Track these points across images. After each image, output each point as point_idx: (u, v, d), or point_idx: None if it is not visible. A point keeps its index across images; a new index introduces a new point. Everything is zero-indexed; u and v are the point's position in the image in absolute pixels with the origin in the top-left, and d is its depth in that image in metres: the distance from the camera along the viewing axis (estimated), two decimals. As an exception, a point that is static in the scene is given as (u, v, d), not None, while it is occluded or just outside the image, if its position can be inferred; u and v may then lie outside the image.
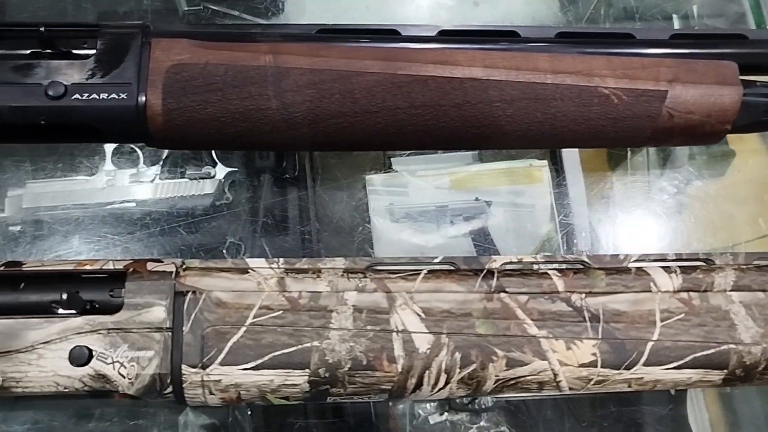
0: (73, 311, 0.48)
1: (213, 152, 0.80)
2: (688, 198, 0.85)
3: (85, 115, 0.51)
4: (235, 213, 0.81)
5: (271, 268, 0.50)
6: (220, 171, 0.81)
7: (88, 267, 0.49)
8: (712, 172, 0.85)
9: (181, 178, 0.81)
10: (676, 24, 0.85)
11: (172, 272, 0.48)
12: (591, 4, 0.91)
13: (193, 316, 0.47)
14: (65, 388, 0.47)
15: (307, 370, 0.47)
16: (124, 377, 0.46)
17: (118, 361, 0.46)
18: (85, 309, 0.48)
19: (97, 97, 0.51)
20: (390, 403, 0.76)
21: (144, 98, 0.51)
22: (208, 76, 0.51)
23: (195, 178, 0.80)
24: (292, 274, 0.49)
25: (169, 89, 0.51)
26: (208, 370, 0.46)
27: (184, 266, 0.49)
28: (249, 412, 0.75)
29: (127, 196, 0.80)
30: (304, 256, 0.78)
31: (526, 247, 0.82)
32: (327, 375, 0.47)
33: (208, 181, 0.81)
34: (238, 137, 0.52)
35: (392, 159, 0.83)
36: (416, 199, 0.82)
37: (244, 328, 0.47)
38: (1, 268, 0.49)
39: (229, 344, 0.47)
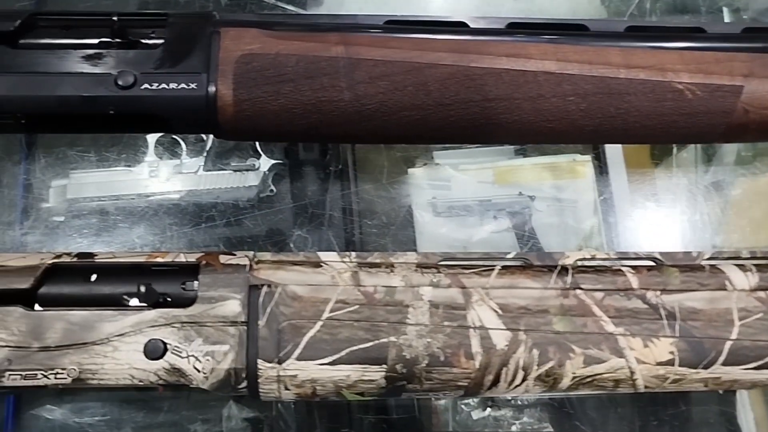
0: (147, 304, 0.47)
1: (257, 144, 0.79)
2: (734, 195, 0.85)
3: (154, 105, 0.50)
4: (278, 205, 0.80)
5: (344, 261, 0.49)
6: (265, 163, 0.80)
7: (159, 259, 0.48)
8: (760, 168, 0.84)
9: (225, 169, 0.80)
10: (727, 18, 0.84)
11: (245, 265, 0.48)
12: (634, -3, 0.90)
13: (268, 310, 0.47)
14: (140, 381, 0.46)
15: (384, 366, 0.46)
16: (199, 371, 0.46)
17: (192, 355, 0.46)
18: (158, 302, 0.47)
19: (167, 87, 0.50)
20: (433, 399, 0.75)
21: (214, 88, 0.50)
22: (280, 67, 0.50)
23: (239, 170, 0.80)
24: (365, 268, 0.49)
25: (240, 79, 0.50)
26: (284, 365, 0.46)
27: (256, 259, 0.49)
28: (293, 405, 0.75)
29: (170, 187, 0.80)
30: (348, 249, 0.79)
31: (569, 242, 0.81)
32: (404, 371, 0.46)
33: (252, 173, 0.80)
34: (309, 129, 0.51)
35: (434, 152, 0.83)
36: (459, 193, 0.82)
37: (320, 323, 0.46)
38: (74, 259, 0.48)
39: (306, 339, 0.46)
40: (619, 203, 0.82)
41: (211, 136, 0.78)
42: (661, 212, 0.82)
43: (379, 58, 0.51)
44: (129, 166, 0.80)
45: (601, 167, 0.82)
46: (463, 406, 0.79)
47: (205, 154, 0.79)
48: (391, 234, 0.80)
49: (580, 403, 0.77)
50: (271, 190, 0.80)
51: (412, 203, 0.81)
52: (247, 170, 0.80)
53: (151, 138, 0.78)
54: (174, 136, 0.78)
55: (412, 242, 0.80)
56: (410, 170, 0.82)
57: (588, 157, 0.82)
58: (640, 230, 0.81)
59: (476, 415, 0.79)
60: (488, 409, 0.79)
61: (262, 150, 0.79)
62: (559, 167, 0.84)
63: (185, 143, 0.79)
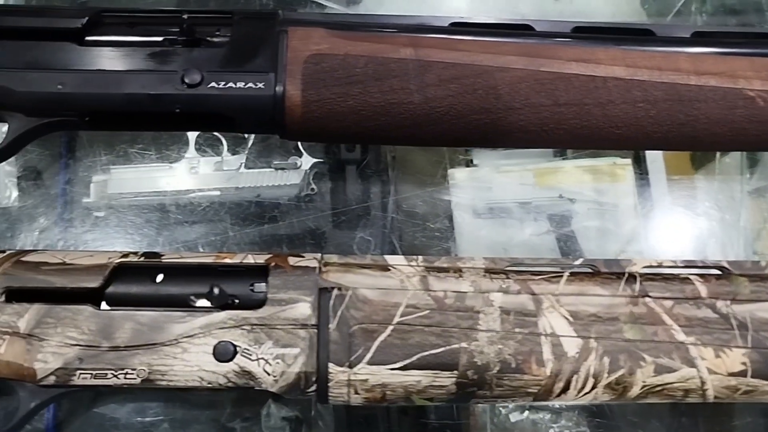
0: (216, 305, 0.47)
1: (299, 142, 0.79)
2: (779, 202, 0.84)
3: (221, 104, 0.50)
4: (319, 204, 0.80)
5: (411, 265, 0.49)
6: (306, 161, 0.80)
7: (228, 260, 0.48)
8: (806, 176, 0.84)
9: (267, 167, 0.80)
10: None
11: (315, 268, 0.47)
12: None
13: (339, 313, 0.46)
14: (209, 383, 0.46)
15: (455, 372, 0.46)
16: (269, 374, 0.46)
17: (262, 358, 0.46)
18: (227, 303, 0.47)
19: (234, 86, 0.50)
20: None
21: (282, 88, 0.49)
22: (349, 68, 0.50)
23: (281, 168, 0.79)
24: (433, 272, 0.48)
25: (309, 80, 0.50)
26: (355, 369, 0.45)
27: (324, 261, 0.49)
28: (331, 405, 0.75)
29: (210, 184, 0.79)
30: (386, 248, 0.79)
31: (608, 246, 0.80)
32: (475, 377, 0.46)
33: (293, 172, 0.80)
34: (376, 131, 0.51)
35: (474, 153, 0.82)
36: (499, 195, 0.81)
37: (391, 327, 0.46)
38: (141, 259, 0.48)
39: (377, 343, 0.46)
40: (659, 208, 0.82)
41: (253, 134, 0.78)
42: (702, 217, 0.82)
43: (449, 61, 0.50)
44: (170, 162, 0.79)
45: (641, 171, 0.82)
46: (501, 409, 0.78)
47: (246, 151, 0.79)
48: (431, 235, 0.80)
49: (618, 407, 0.76)
50: (312, 189, 0.80)
51: (452, 204, 0.80)
52: (289, 168, 0.80)
53: (192, 134, 0.78)
54: (215, 133, 0.78)
55: (452, 243, 0.79)
56: (450, 171, 0.81)
57: (628, 161, 0.82)
58: (680, 235, 0.81)
59: (514, 417, 0.79)
60: (526, 412, 0.79)
61: (303, 148, 0.79)
62: (599, 170, 0.83)
63: (226, 140, 0.79)
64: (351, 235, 0.80)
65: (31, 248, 0.49)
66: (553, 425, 0.78)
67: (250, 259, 0.48)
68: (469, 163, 0.82)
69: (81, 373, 0.45)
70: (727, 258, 0.77)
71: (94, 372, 0.45)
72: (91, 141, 0.79)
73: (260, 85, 0.49)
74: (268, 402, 0.75)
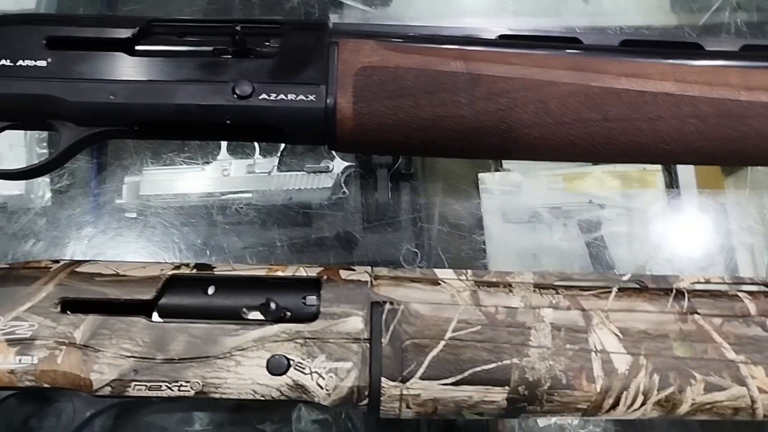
0: (269, 318, 0.47)
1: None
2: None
3: (271, 116, 0.50)
4: (350, 208, 0.80)
5: (460, 279, 0.49)
6: (338, 165, 0.80)
7: (280, 273, 0.48)
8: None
9: (299, 171, 0.80)
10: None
11: (367, 282, 0.48)
12: (710, 4, 0.89)
13: (392, 327, 0.46)
14: (262, 396, 0.46)
15: (506, 387, 0.46)
16: (322, 388, 0.46)
17: (316, 372, 0.46)
18: (280, 316, 0.47)
19: (285, 98, 0.50)
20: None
21: (334, 101, 0.49)
22: (400, 81, 0.50)
23: (313, 172, 0.80)
24: (483, 287, 0.49)
25: (360, 92, 0.50)
26: (408, 383, 0.46)
27: (374, 274, 0.49)
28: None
29: (242, 187, 0.79)
30: (416, 254, 0.79)
31: (638, 253, 0.81)
32: (526, 393, 0.46)
33: (325, 175, 0.80)
34: (426, 144, 0.51)
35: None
36: (529, 200, 0.81)
37: (443, 343, 0.46)
38: (193, 271, 0.48)
39: (429, 358, 0.46)
40: (688, 216, 0.82)
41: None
42: (731, 228, 0.82)
43: (500, 74, 0.50)
44: (201, 164, 0.79)
45: (671, 178, 0.82)
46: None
47: (278, 154, 0.79)
48: (461, 239, 0.80)
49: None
50: (344, 192, 0.80)
51: (482, 209, 0.81)
52: (321, 172, 0.80)
53: (223, 138, 0.78)
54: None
55: (481, 248, 0.79)
56: (480, 175, 0.82)
57: (658, 167, 0.82)
58: (708, 246, 0.80)
59: (542, 422, 0.79)
60: (554, 418, 0.79)
61: (335, 152, 0.79)
62: (629, 176, 0.83)
63: (258, 144, 0.79)
64: (382, 238, 0.80)
65: (84, 259, 0.49)
66: (581, 430, 0.78)
67: (302, 272, 0.48)
68: (498, 168, 0.82)
69: (136, 385, 0.46)
70: (757, 270, 0.78)
71: (148, 384, 0.46)
72: (123, 143, 0.79)
73: (311, 97, 0.49)
74: (299, 405, 0.75)
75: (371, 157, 0.81)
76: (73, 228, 0.78)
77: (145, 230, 0.78)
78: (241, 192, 0.79)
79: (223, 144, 0.78)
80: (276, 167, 0.79)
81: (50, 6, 0.79)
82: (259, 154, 0.79)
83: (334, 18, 0.82)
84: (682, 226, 0.80)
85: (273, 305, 0.46)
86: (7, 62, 0.50)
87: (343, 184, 0.80)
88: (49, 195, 0.80)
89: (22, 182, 0.79)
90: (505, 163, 0.83)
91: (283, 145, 0.79)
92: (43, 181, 0.79)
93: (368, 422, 0.75)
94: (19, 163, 0.76)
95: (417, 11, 0.90)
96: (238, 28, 0.48)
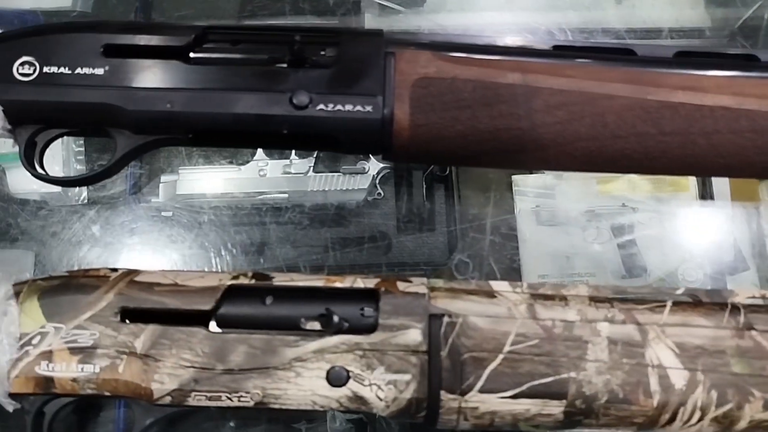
0: (327, 329, 0.47)
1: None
2: None
3: (328, 126, 0.50)
4: (384, 209, 0.80)
5: (516, 292, 0.49)
6: (374, 166, 0.80)
7: (338, 284, 0.48)
8: None
9: (335, 172, 0.80)
10: None
11: (425, 294, 0.48)
12: (748, 7, 0.89)
13: (450, 340, 0.47)
14: (321, 407, 0.47)
15: (563, 401, 0.46)
16: (381, 400, 0.46)
17: (375, 384, 0.46)
18: (340, 328, 0.47)
19: (342, 109, 0.50)
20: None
21: (391, 112, 0.49)
22: (457, 92, 0.50)
23: (350, 173, 0.80)
24: (539, 300, 0.49)
25: (417, 104, 0.50)
26: (466, 396, 0.46)
27: (430, 286, 0.49)
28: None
29: (278, 187, 0.80)
30: (450, 256, 0.79)
31: (670, 257, 0.81)
32: (583, 406, 0.46)
33: (360, 176, 0.80)
34: (482, 155, 0.51)
35: None
36: (563, 203, 0.81)
37: (501, 356, 0.47)
38: (252, 281, 0.48)
39: (488, 371, 0.46)
40: (721, 221, 0.81)
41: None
42: (765, 234, 0.81)
43: (557, 87, 0.50)
44: (238, 164, 0.80)
45: (704, 182, 0.82)
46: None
47: (315, 155, 0.79)
48: (494, 241, 0.80)
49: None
50: (379, 194, 0.80)
51: (516, 211, 0.81)
52: (357, 173, 0.80)
53: (259, 137, 0.78)
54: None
55: (514, 250, 0.79)
56: (514, 177, 0.82)
57: (692, 170, 0.81)
58: (742, 252, 0.80)
59: None
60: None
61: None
62: (661, 179, 0.83)
63: (294, 144, 0.79)
64: (416, 240, 0.80)
65: (144, 269, 0.49)
66: None
67: (359, 283, 0.49)
68: (532, 170, 0.82)
69: (196, 395, 0.46)
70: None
71: (208, 394, 0.46)
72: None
73: (368, 108, 0.49)
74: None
75: (407, 160, 0.81)
76: (108, 226, 0.78)
77: (181, 229, 0.78)
78: (277, 192, 0.80)
79: (260, 144, 0.78)
80: (312, 168, 0.79)
81: (85, 4, 0.79)
82: (296, 154, 0.79)
83: (368, 19, 0.82)
84: (715, 231, 0.80)
85: (336, 318, 0.47)
86: (66, 70, 0.50)
87: (378, 185, 0.80)
88: (85, 193, 0.80)
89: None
90: (540, 166, 0.82)
91: (319, 146, 0.79)
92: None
93: (403, 423, 0.76)
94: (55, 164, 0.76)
95: (450, 10, 0.90)
96: (297, 37, 0.48)
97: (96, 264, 0.74)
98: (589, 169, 0.52)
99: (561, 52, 0.53)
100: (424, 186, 0.81)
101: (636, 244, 0.81)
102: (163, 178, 0.80)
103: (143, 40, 0.51)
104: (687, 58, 0.53)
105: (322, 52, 0.51)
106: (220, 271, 0.56)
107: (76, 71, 0.50)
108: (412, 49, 0.51)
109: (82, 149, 0.79)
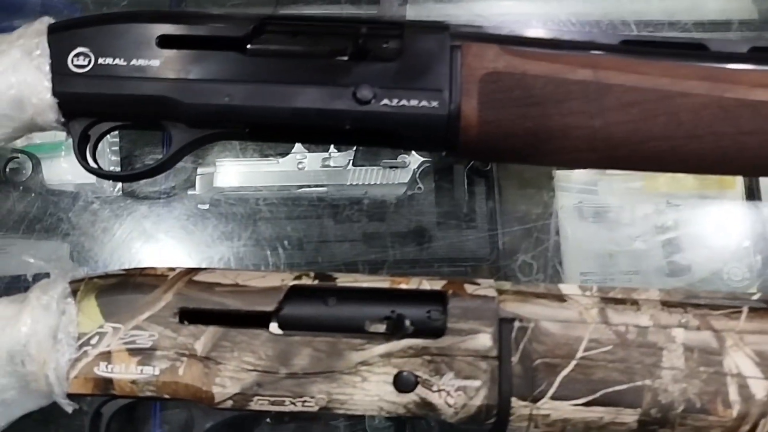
0: (393, 332, 0.46)
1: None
2: None
3: (392, 122, 0.48)
4: (424, 204, 0.79)
5: (586, 296, 0.48)
6: (414, 160, 0.78)
7: (404, 286, 0.47)
8: None
9: (375, 165, 0.78)
10: None
11: (494, 297, 0.46)
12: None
13: (521, 346, 0.45)
14: (388, 413, 0.45)
15: (638, 410, 0.45)
16: (450, 407, 0.45)
17: (444, 390, 0.45)
18: (406, 332, 0.46)
19: (407, 104, 0.48)
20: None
21: (458, 108, 0.48)
22: (527, 88, 0.48)
23: (390, 167, 0.78)
24: (610, 304, 0.47)
25: (486, 99, 0.48)
26: (538, 403, 0.45)
27: (498, 289, 0.47)
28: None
29: (317, 181, 0.78)
30: (492, 252, 0.77)
31: (716, 256, 0.79)
32: (658, 416, 0.45)
33: (400, 170, 0.79)
34: (552, 154, 0.49)
35: None
36: (606, 199, 0.80)
37: (574, 362, 0.45)
38: (315, 281, 0.47)
39: (560, 378, 0.45)
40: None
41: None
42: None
43: (629, 85, 0.48)
44: (276, 157, 0.78)
45: (751, 179, 0.80)
46: None
47: (354, 148, 0.77)
48: (535, 237, 0.78)
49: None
50: (419, 188, 0.79)
51: (557, 207, 0.79)
52: (398, 167, 0.78)
53: (298, 129, 0.76)
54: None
55: (556, 247, 0.78)
56: (556, 173, 0.80)
57: (737, 167, 0.79)
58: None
59: None
60: None
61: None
62: (707, 177, 0.81)
63: (333, 137, 0.77)
64: (457, 235, 0.79)
65: (203, 267, 0.47)
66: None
67: (426, 285, 0.47)
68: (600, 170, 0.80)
69: (258, 399, 0.45)
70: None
71: (271, 399, 0.45)
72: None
73: (434, 103, 0.48)
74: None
75: (448, 153, 0.79)
76: (143, 218, 0.77)
77: (219, 222, 0.77)
78: (316, 186, 0.78)
79: (298, 136, 0.77)
80: (351, 161, 0.78)
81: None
82: (334, 148, 0.77)
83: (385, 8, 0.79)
84: (761, 231, 0.79)
85: (395, 317, 0.45)
86: (121, 61, 0.48)
87: (418, 180, 0.78)
88: (120, 185, 0.78)
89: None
90: (580, 161, 0.80)
91: (358, 139, 0.77)
92: (115, 170, 0.78)
93: (444, 422, 0.74)
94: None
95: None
96: (363, 30, 0.46)
97: (133, 257, 0.73)
98: (659, 170, 0.50)
99: (630, 47, 0.51)
100: (465, 181, 0.79)
101: (680, 243, 0.79)
102: (200, 170, 0.79)
103: (200, 30, 0.49)
104: (762, 54, 0.51)
105: (385, 45, 0.49)
106: (271, 270, 0.55)
107: (131, 63, 0.48)
108: (480, 42, 0.49)
109: (117, 140, 0.77)
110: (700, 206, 0.80)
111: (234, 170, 0.78)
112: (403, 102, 0.48)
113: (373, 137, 0.49)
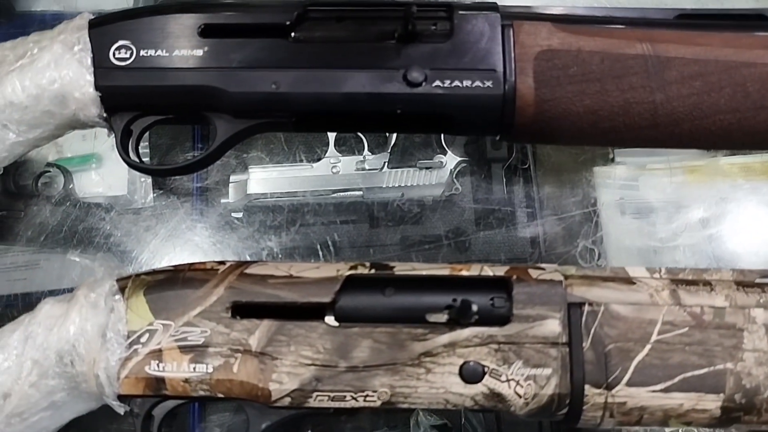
0: (455, 321, 0.43)
1: (443, 140, 0.75)
2: None
3: (445, 104, 0.47)
4: (463, 204, 0.77)
5: (654, 278, 0.45)
6: (451, 160, 0.76)
7: (464, 273, 0.45)
8: None
9: (411, 166, 0.76)
10: None
11: (561, 282, 0.44)
12: None
13: (592, 330, 0.43)
14: (454, 406, 0.43)
15: (721, 395, 0.42)
16: (520, 397, 0.42)
17: (513, 379, 0.42)
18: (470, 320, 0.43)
19: (460, 85, 0.46)
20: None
21: (513, 87, 0.46)
22: (584, 65, 0.46)
23: (426, 168, 0.76)
24: (682, 286, 0.45)
25: (542, 78, 0.46)
26: (613, 391, 0.42)
27: (564, 273, 0.45)
28: (481, 414, 0.72)
29: (352, 184, 0.76)
30: (534, 252, 0.75)
31: (764, 249, 0.76)
32: (743, 401, 0.42)
33: (437, 171, 0.77)
34: (611, 132, 0.47)
35: (616, 152, 0.78)
36: (647, 194, 0.77)
37: (649, 346, 0.42)
38: (371, 271, 0.45)
39: (635, 363, 0.42)
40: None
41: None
42: None
43: (690, 57, 0.46)
44: (310, 162, 0.76)
45: (799, 171, 0.77)
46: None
47: (389, 150, 0.76)
48: (577, 235, 0.76)
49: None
50: (457, 189, 0.77)
51: (599, 203, 0.77)
52: (434, 168, 0.76)
53: (331, 133, 0.75)
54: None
55: (598, 243, 0.76)
56: (596, 169, 0.78)
57: (786, 158, 0.77)
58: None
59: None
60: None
61: (447, 145, 0.76)
62: (752, 168, 0.79)
63: (366, 139, 0.75)
64: (497, 235, 0.77)
65: (254, 260, 0.45)
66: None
67: (487, 271, 0.45)
68: (612, 161, 0.79)
69: (318, 395, 0.42)
70: None
71: (331, 394, 0.42)
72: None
73: (488, 83, 0.46)
74: (416, 411, 0.72)
75: (485, 152, 0.78)
76: (177, 229, 0.75)
77: (253, 230, 0.75)
78: (352, 190, 0.76)
79: (331, 141, 0.75)
80: (386, 163, 0.76)
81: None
82: (368, 150, 0.76)
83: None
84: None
85: (458, 306, 0.43)
86: (163, 53, 0.47)
87: (456, 180, 0.76)
88: (151, 195, 0.77)
89: (125, 183, 0.76)
90: (619, 156, 0.79)
91: (393, 141, 0.76)
92: (146, 181, 0.76)
93: (489, 428, 0.72)
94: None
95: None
96: (414, 9, 0.45)
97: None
98: (723, 146, 0.48)
99: (687, 21, 0.49)
100: (504, 180, 0.77)
101: (725, 236, 0.77)
102: (233, 177, 0.77)
103: (242, 18, 0.48)
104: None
105: (434, 27, 0.48)
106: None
107: (174, 54, 0.47)
108: (531, 21, 0.47)
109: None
110: (744, 199, 0.77)
111: (267, 177, 0.76)
112: (456, 83, 0.46)
113: (425, 122, 0.48)
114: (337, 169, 0.77)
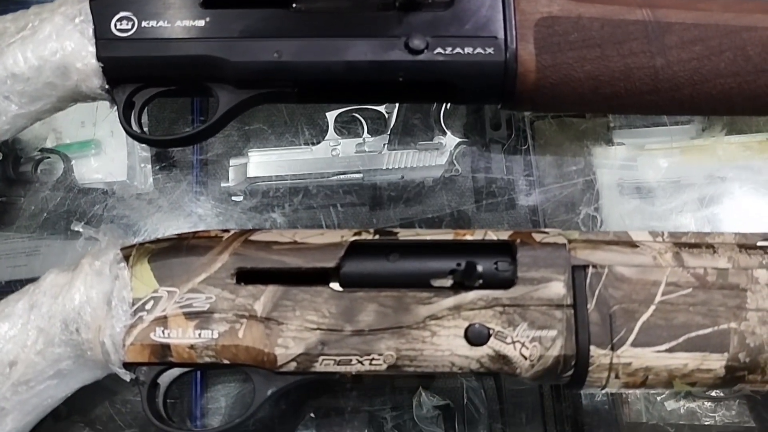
0: (460, 285, 0.43)
1: (442, 121, 0.76)
2: None
3: (446, 72, 0.47)
4: (463, 185, 0.77)
5: (657, 241, 0.46)
6: (450, 141, 0.76)
7: (468, 237, 0.45)
8: None
9: (410, 148, 0.76)
10: None
11: (564, 245, 0.44)
12: None
13: (597, 292, 0.43)
14: (460, 369, 0.43)
15: (725, 354, 0.42)
16: (525, 359, 0.42)
17: (518, 341, 0.42)
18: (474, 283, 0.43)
19: (462, 52, 0.46)
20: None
21: (514, 53, 0.46)
22: (584, 31, 0.46)
23: (425, 149, 0.76)
24: (685, 249, 0.45)
25: (543, 44, 0.46)
26: (618, 351, 0.42)
27: (567, 237, 0.45)
28: (483, 393, 0.72)
29: (352, 166, 0.76)
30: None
31: (761, 228, 0.76)
32: (747, 360, 0.42)
33: (436, 152, 0.77)
34: (612, 98, 0.47)
35: (614, 132, 0.79)
36: (645, 174, 0.77)
37: (653, 307, 0.43)
38: (375, 237, 0.45)
39: (640, 323, 0.43)
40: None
41: (394, 114, 0.75)
42: None
43: (691, 21, 0.47)
44: (310, 144, 0.76)
45: (795, 149, 0.77)
46: (656, 397, 0.75)
47: (389, 131, 0.76)
48: (577, 214, 0.76)
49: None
50: (456, 170, 0.77)
51: (597, 183, 0.77)
52: (433, 149, 0.76)
53: (330, 116, 0.75)
54: (354, 114, 0.75)
55: (597, 224, 0.76)
56: (594, 149, 0.78)
57: (783, 137, 0.78)
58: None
59: (670, 406, 0.75)
60: (683, 401, 0.75)
61: (447, 127, 0.76)
62: (750, 146, 0.79)
63: (366, 121, 0.75)
64: (496, 216, 0.77)
65: (258, 227, 0.45)
66: (713, 414, 0.74)
67: (492, 236, 0.45)
68: (610, 142, 0.79)
69: (324, 359, 0.42)
70: None
71: (337, 358, 0.42)
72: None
73: (489, 50, 0.46)
74: (419, 391, 0.72)
75: (484, 133, 0.78)
76: (177, 213, 0.75)
77: (253, 213, 0.75)
78: (352, 172, 0.76)
79: (330, 122, 0.75)
80: (386, 145, 0.76)
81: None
82: (368, 132, 0.76)
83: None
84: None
85: (461, 269, 0.43)
86: (165, 23, 0.47)
87: (455, 161, 0.76)
88: (151, 180, 0.77)
89: (124, 169, 0.76)
90: (617, 137, 0.79)
91: (392, 123, 0.76)
92: (146, 166, 0.76)
93: (492, 407, 0.72)
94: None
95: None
96: (413, -21, 0.45)
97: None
98: (724, 112, 0.48)
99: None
100: (502, 160, 0.77)
101: (724, 215, 0.77)
102: (232, 161, 0.77)
103: (245, -14, 0.48)
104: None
105: (435, -7, 0.48)
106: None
107: (176, 24, 0.47)
108: (530, -13, 0.48)
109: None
110: (743, 178, 0.77)
111: (267, 160, 0.76)
112: (458, 50, 0.46)
113: (427, 90, 0.48)
114: (336, 152, 0.76)
